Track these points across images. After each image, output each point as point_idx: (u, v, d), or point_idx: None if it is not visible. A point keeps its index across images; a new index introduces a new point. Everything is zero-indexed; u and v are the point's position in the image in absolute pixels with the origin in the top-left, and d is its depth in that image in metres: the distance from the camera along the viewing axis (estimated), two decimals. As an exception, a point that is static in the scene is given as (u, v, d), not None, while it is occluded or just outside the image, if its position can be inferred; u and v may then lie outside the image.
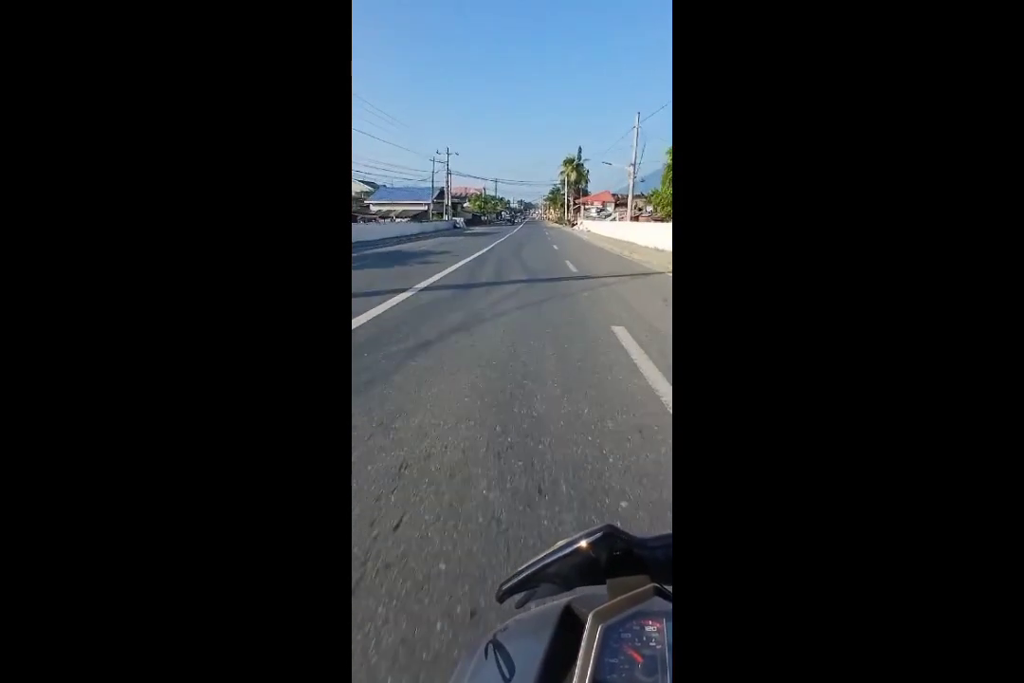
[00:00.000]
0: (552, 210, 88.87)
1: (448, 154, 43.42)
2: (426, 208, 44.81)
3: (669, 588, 0.42)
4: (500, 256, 11.94)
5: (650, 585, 0.42)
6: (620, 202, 44.11)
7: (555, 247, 15.83)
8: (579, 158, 55.06)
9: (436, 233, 26.94)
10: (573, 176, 53.04)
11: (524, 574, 0.45)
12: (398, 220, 34.89)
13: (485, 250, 13.85)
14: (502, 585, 0.47)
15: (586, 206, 49.61)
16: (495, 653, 0.41)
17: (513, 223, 57.36)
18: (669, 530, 0.40)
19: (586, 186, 56.82)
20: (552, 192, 74.51)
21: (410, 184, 51.64)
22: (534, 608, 0.50)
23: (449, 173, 43.90)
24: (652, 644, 0.37)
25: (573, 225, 46.03)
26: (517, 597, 0.49)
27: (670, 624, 0.38)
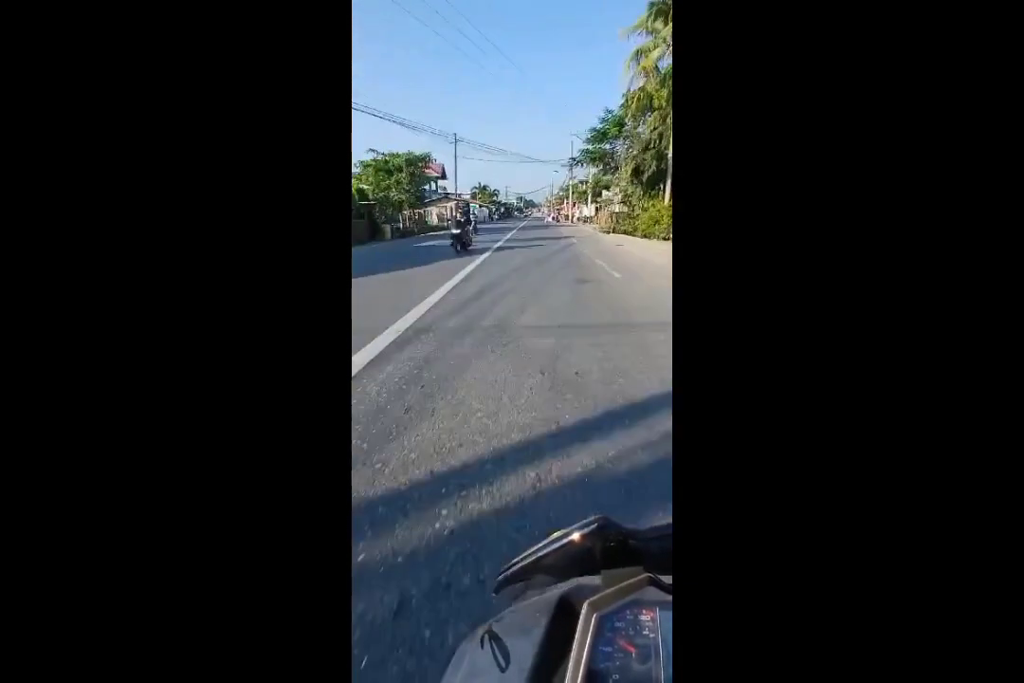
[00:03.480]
0: (581, 202, 39.35)
1: None
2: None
3: (663, 578, 0.43)
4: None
5: (644, 575, 0.43)
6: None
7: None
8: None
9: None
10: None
11: (520, 565, 0.49)
12: None
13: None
14: (498, 576, 0.51)
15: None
16: (491, 643, 0.42)
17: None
18: (661, 519, 0.44)
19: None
20: (595, 137, 26.92)
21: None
22: (530, 598, 0.51)
23: None
24: (646, 633, 0.39)
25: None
26: (513, 588, 0.53)
27: (664, 613, 0.40)
